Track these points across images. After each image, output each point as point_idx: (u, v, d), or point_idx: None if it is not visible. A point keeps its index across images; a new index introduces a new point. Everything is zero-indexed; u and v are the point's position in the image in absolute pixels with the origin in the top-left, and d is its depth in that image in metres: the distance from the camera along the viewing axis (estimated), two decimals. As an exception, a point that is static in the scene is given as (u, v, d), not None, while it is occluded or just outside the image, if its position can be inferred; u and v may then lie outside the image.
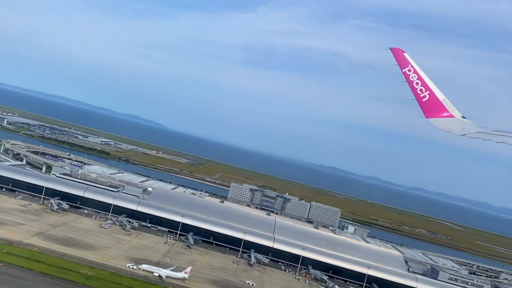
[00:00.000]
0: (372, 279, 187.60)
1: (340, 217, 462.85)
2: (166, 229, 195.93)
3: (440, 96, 44.42)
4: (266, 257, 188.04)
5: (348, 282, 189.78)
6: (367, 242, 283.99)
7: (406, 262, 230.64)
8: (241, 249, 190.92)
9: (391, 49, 45.64)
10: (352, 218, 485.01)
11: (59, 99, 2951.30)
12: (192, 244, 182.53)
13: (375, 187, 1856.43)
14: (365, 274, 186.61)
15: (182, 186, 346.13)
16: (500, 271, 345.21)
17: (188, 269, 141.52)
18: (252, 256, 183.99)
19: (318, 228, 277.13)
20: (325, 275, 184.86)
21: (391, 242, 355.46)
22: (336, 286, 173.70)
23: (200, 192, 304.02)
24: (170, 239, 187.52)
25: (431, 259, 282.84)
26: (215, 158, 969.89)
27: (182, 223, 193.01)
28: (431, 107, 43.82)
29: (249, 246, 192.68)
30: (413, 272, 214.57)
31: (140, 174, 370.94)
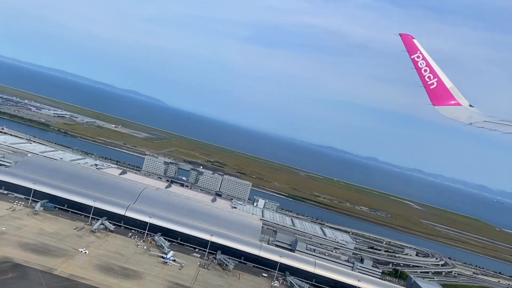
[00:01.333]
0: (217, 246, 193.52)
1: (275, 193, 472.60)
2: (23, 196, 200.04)
3: (448, 84, 44.37)
4: (114, 224, 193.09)
5: (197, 249, 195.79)
6: (262, 214, 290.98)
7: (275, 232, 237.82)
8: (91, 216, 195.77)
9: (400, 34, 45.19)
10: (288, 193, 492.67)
11: (59, 72, 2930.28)
12: (36, 211, 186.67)
13: (368, 168, 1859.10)
14: (208, 241, 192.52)
15: (100, 158, 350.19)
16: (409, 247, 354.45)
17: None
18: (98, 223, 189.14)
19: (215, 201, 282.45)
20: (169, 241, 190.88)
21: (305, 216, 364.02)
22: (172, 251, 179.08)
23: (103, 164, 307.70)
24: (19, 205, 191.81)
25: (324, 232, 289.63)
26: (192, 135, 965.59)
27: (34, 189, 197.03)
28: (439, 95, 43.71)
29: (101, 213, 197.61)
30: (276, 241, 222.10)
31: (63, 145, 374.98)
